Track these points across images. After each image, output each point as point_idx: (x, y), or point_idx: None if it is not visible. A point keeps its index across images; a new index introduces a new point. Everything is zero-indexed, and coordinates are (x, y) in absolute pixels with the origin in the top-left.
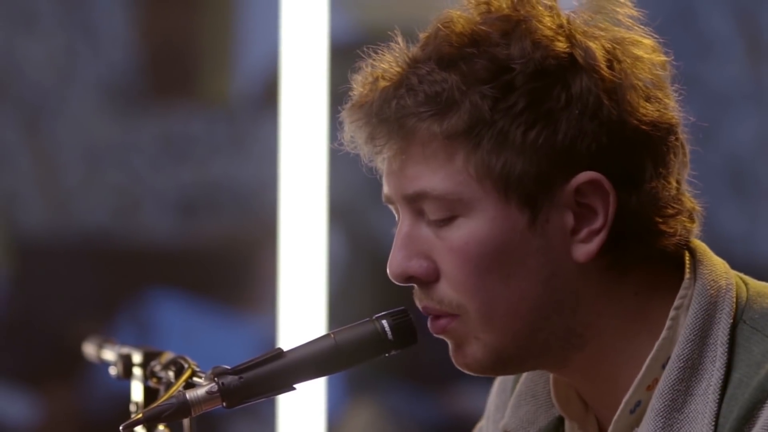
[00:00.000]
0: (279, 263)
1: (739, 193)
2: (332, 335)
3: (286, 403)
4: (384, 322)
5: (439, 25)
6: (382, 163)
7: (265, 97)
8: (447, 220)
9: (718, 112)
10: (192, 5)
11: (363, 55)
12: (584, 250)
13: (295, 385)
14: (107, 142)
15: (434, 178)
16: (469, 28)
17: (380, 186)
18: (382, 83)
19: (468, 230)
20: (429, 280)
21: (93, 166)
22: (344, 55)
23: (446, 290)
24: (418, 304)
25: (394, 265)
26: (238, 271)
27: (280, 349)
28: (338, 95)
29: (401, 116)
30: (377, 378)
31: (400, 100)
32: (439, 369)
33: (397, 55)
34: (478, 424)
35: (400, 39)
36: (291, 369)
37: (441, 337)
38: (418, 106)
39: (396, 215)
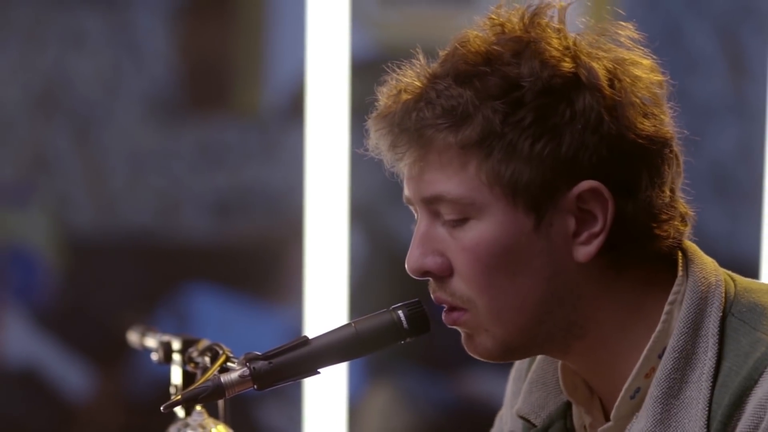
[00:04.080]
0: (305, 259)
1: (721, 196)
2: (353, 324)
3: (311, 386)
4: (400, 312)
5: (456, 44)
6: (402, 168)
7: (292, 109)
8: (460, 222)
9: (703, 123)
10: (226, 26)
11: (385, 70)
12: (584, 251)
13: (319, 370)
14: (150, 150)
15: (449, 183)
16: (483, 48)
17: (397, 190)
18: (405, 96)
19: (479, 231)
20: (443, 275)
21: (137, 171)
22: (364, 71)
23: (458, 285)
24: (432, 295)
25: (412, 261)
26: (268, 266)
27: (305, 336)
28: (359, 106)
29: (420, 127)
30: (394, 363)
31: (420, 113)
32: (451, 355)
33: (418, 70)
34: (500, 412)
35: (421, 56)
36: (316, 355)
37: (453, 327)
38: (436, 118)
39: (414, 215)
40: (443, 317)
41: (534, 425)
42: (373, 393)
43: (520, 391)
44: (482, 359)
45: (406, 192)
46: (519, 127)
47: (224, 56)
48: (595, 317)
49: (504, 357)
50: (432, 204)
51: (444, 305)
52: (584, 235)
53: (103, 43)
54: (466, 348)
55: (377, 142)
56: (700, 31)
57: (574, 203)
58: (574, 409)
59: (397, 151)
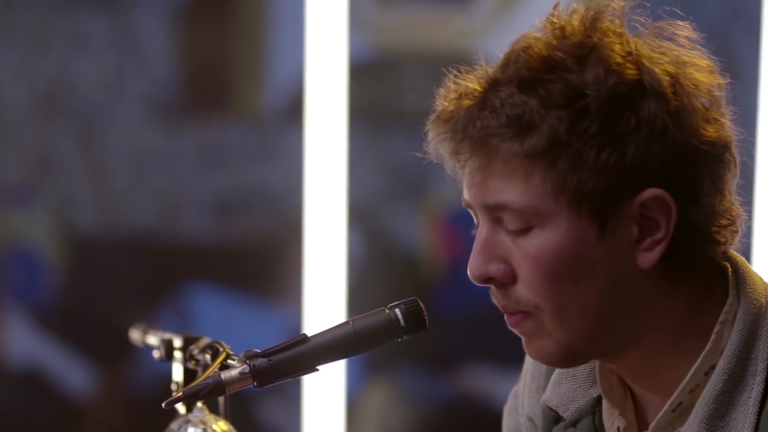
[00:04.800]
0: (304, 258)
1: None
2: (351, 322)
3: (310, 383)
4: (397, 310)
5: (518, 49)
6: (462, 174)
7: (292, 111)
8: (524, 230)
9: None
10: (227, 29)
11: (382, 73)
12: (647, 257)
13: (318, 367)
14: (151, 151)
15: (514, 192)
16: (546, 53)
17: (394, 190)
18: (466, 101)
19: (543, 240)
20: (506, 282)
21: (139, 171)
22: (362, 73)
23: (523, 292)
24: (497, 303)
25: (474, 268)
26: (268, 265)
27: (304, 334)
28: (357, 108)
29: (485, 135)
30: (392, 360)
31: (484, 121)
32: (447, 352)
33: (479, 74)
34: (515, 388)
35: (483, 60)
36: (314, 352)
37: (514, 330)
38: (501, 127)
39: (474, 219)
40: (506, 320)
41: (560, 417)
42: (371, 390)
43: (540, 374)
44: (543, 363)
45: (467, 196)
46: (584, 136)
47: (225, 59)
48: (651, 325)
49: (565, 362)
50: (495, 211)
51: (508, 313)
52: (647, 242)
53: (105, 46)
54: (527, 351)
55: (437, 146)
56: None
57: (638, 211)
58: (605, 406)
59: (459, 157)
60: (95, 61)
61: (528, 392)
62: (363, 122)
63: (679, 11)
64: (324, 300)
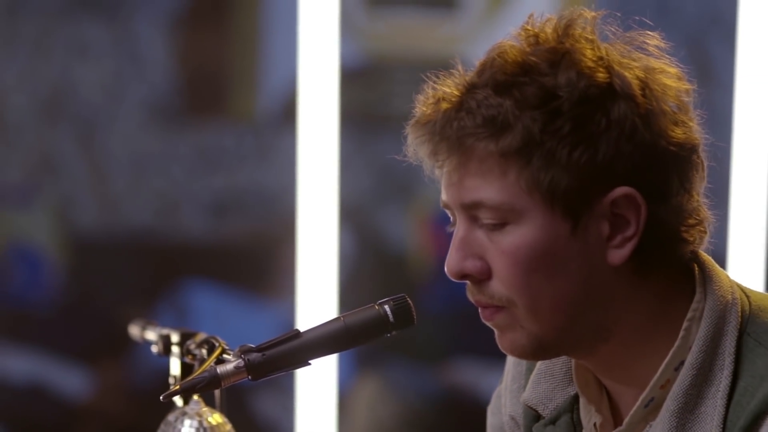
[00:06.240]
0: (297, 257)
1: None
2: (342, 318)
3: (302, 377)
4: (386, 306)
5: (493, 54)
6: (441, 174)
7: (285, 114)
8: (499, 226)
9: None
10: (223, 36)
11: (372, 78)
12: (618, 254)
13: (310, 361)
14: (150, 153)
15: (490, 190)
16: (520, 58)
17: (384, 190)
18: (444, 105)
19: (518, 236)
20: (482, 277)
21: (138, 173)
22: (353, 78)
23: (497, 287)
24: (471, 299)
25: (452, 264)
26: (262, 263)
27: (297, 330)
28: (348, 112)
29: (461, 135)
30: (382, 355)
31: (461, 122)
32: (435, 347)
33: (457, 80)
34: (497, 389)
35: (459, 66)
36: (307, 347)
37: (487, 324)
38: (477, 127)
39: (451, 218)
40: (480, 313)
41: (539, 415)
42: (362, 383)
43: (521, 375)
44: (514, 356)
45: (444, 197)
46: (557, 135)
47: (221, 65)
48: (621, 321)
49: (536, 355)
50: (471, 209)
51: (482, 307)
52: (618, 239)
53: (106, 53)
54: (499, 344)
55: (416, 149)
56: (668, 41)
57: (609, 208)
58: (582, 404)
59: (437, 158)
60: (96, 66)
61: (509, 392)
62: (354, 126)
63: (648, 21)
64: (316, 296)
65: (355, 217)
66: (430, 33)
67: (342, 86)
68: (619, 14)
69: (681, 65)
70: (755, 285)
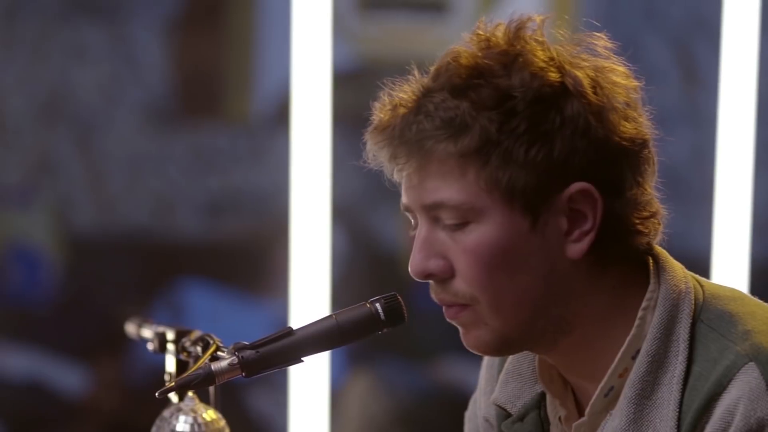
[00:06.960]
0: (290, 256)
1: (676, 198)
2: (334, 316)
3: (295, 374)
4: (377, 305)
5: (448, 59)
6: (400, 177)
7: (279, 116)
8: (460, 225)
9: (658, 130)
10: (217, 39)
11: (365, 81)
12: (576, 248)
13: (303, 358)
14: (146, 154)
15: (450, 190)
16: (474, 62)
17: (376, 192)
18: (401, 110)
19: (479, 234)
20: (445, 276)
21: (134, 174)
22: (345, 81)
23: (460, 285)
24: (435, 298)
25: (415, 265)
26: (256, 262)
27: (290, 327)
28: (340, 114)
29: (420, 138)
30: (374, 352)
31: (419, 125)
32: (427, 345)
33: (412, 85)
34: (474, 395)
35: (416, 72)
36: (300, 344)
37: (452, 322)
38: (436, 130)
39: (413, 221)
40: (444, 312)
41: (509, 414)
42: (354, 380)
43: (493, 378)
44: (478, 353)
45: (405, 200)
46: (514, 134)
47: (215, 67)
48: (582, 313)
49: (500, 350)
50: (433, 210)
51: (446, 305)
52: (576, 233)
53: (103, 56)
54: (464, 341)
55: (376, 154)
56: (655, 44)
57: (566, 204)
58: (549, 400)
59: (397, 162)
60: (93, 69)
61: (483, 395)
62: (346, 127)
63: (596, 23)
64: (309, 295)
65: (347, 217)
66: (421, 36)
67: (335, 88)
68: (566, 16)
69: (628, 64)
70: (739, 284)
